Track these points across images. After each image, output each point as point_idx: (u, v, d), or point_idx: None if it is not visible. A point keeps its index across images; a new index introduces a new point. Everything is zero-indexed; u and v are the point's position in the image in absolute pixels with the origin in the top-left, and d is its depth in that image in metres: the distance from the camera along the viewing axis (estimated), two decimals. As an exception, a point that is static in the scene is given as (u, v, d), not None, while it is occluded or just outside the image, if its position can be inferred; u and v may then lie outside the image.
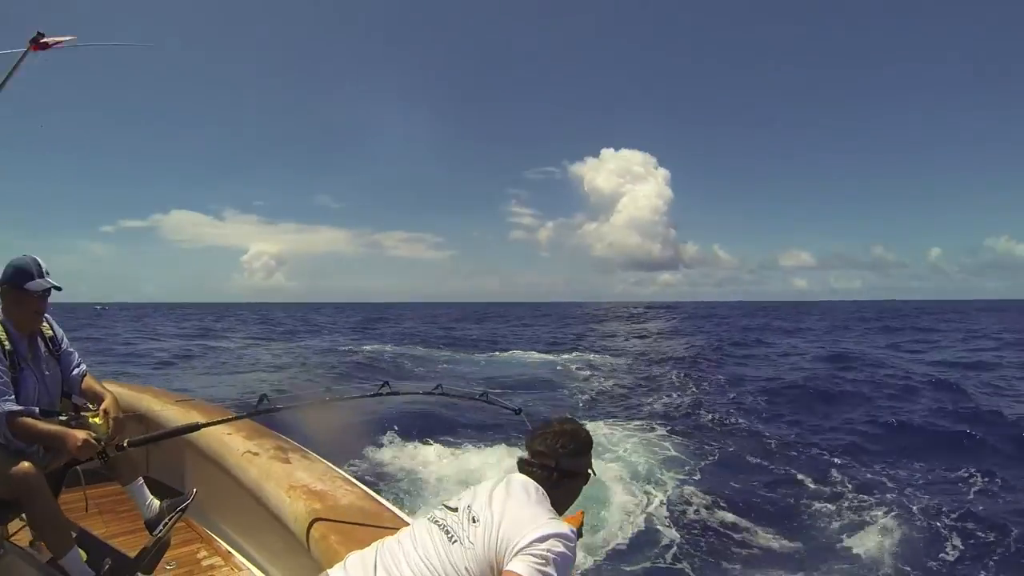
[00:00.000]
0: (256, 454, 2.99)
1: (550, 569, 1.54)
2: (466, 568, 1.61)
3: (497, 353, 28.31)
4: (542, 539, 1.58)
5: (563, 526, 1.66)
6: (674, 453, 10.22)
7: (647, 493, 8.25)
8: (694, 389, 16.68)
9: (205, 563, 3.07)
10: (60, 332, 2.75)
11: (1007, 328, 40.10)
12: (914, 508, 7.64)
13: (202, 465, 3.34)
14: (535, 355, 27.13)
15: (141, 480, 2.74)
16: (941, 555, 6.65)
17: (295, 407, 3.17)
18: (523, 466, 1.90)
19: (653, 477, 8.90)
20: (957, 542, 6.85)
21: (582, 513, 2.38)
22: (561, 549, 1.59)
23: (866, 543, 6.89)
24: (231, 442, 3.14)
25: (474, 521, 1.69)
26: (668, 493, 8.23)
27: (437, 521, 1.75)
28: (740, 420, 12.61)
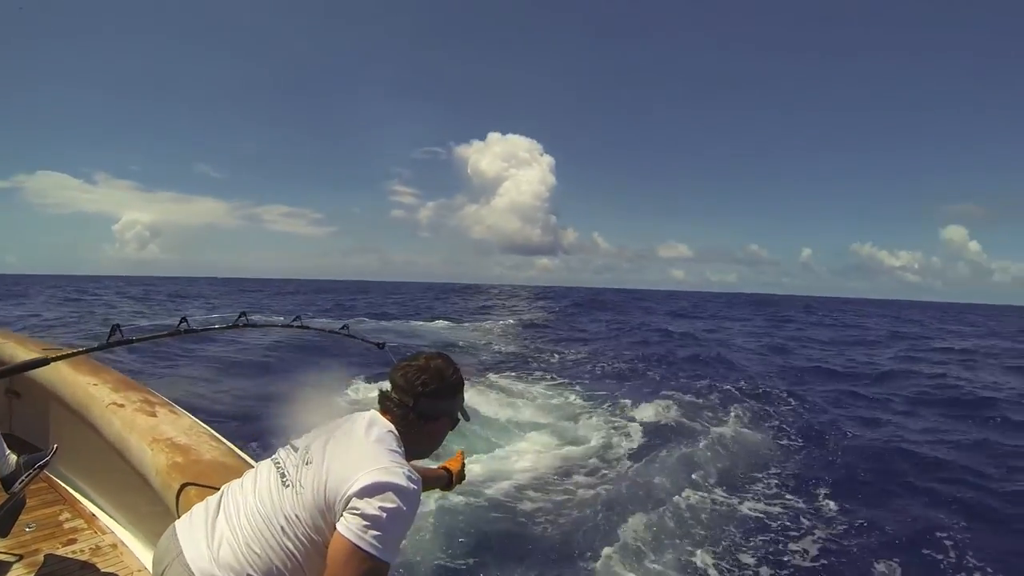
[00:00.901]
0: (121, 406, 2.84)
1: (378, 531, 1.37)
2: (296, 516, 1.46)
3: (389, 322, 30.16)
4: (373, 490, 1.41)
5: (399, 475, 1.45)
6: (566, 394, 12.82)
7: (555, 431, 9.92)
8: (569, 351, 20.59)
9: (67, 525, 2.88)
10: None
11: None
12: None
13: (67, 420, 3.14)
14: (423, 323, 30.01)
15: None
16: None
17: (151, 338, 2.81)
18: (382, 400, 1.69)
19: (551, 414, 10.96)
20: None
21: (462, 453, 2.29)
22: (395, 504, 1.41)
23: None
24: (97, 393, 2.97)
25: (307, 463, 1.52)
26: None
27: (277, 462, 1.61)
28: (615, 367, 16.68)
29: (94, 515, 2.98)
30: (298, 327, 3.37)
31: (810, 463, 8.86)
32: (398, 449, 1.56)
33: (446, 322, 31.34)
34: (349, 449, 1.52)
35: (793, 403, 12.49)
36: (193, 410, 3.17)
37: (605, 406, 11.73)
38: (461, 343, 21.54)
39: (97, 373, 3.16)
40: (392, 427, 1.62)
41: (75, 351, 2.56)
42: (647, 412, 10.99)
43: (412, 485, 1.45)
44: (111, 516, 2.97)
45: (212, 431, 2.85)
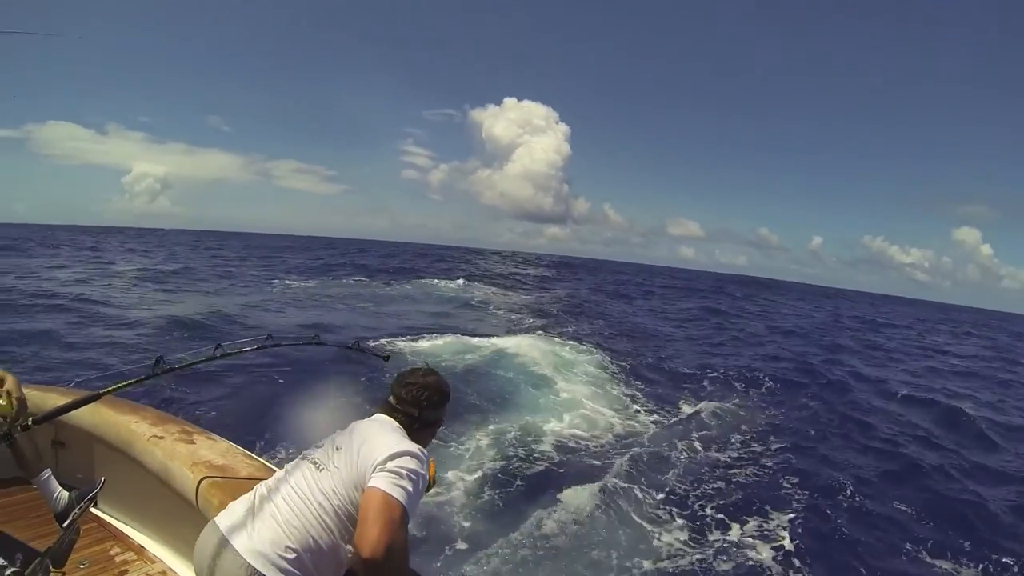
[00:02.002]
0: (161, 438, 2.99)
1: (404, 482, 1.69)
2: (333, 490, 1.76)
3: (422, 281, 34.00)
4: (395, 456, 1.74)
5: (415, 448, 1.83)
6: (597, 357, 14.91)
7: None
8: (586, 318, 23.60)
9: (119, 559, 2.97)
10: None
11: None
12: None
13: (111, 459, 3.22)
14: (445, 283, 33.37)
15: (48, 472, 2.67)
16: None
17: (192, 364, 2.97)
18: (387, 410, 2.04)
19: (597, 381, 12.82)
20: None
21: (433, 462, 2.62)
22: (413, 466, 1.75)
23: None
24: (138, 429, 3.10)
25: (338, 449, 1.87)
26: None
27: (307, 457, 1.93)
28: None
29: (143, 547, 3.09)
30: (316, 343, 3.72)
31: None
32: (408, 439, 1.93)
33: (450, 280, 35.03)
34: (373, 435, 1.87)
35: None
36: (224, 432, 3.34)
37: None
38: (496, 305, 25.18)
39: (137, 412, 3.31)
40: (400, 426, 1.98)
41: (124, 384, 2.61)
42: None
43: (424, 456, 1.84)
44: (160, 544, 3.09)
45: (247, 451, 3.03)
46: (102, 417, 3.23)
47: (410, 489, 1.70)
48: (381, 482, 1.67)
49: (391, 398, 2.05)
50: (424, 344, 14.23)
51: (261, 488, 1.88)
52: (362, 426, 1.97)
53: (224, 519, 1.81)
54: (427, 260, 58.42)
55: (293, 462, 1.96)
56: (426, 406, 2.02)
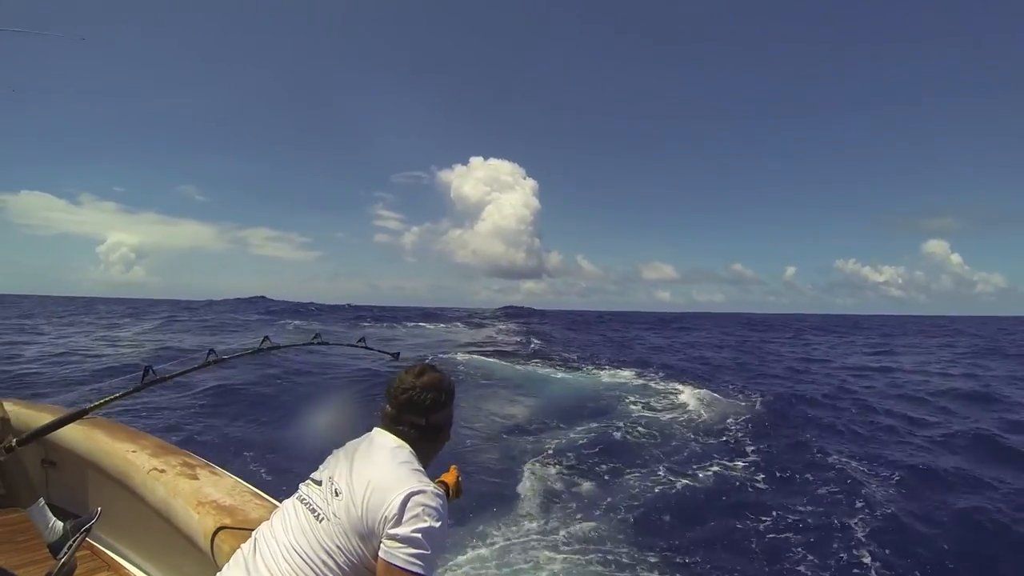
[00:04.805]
0: (163, 471, 2.66)
1: (417, 550, 1.43)
2: (337, 546, 1.48)
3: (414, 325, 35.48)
4: (408, 514, 1.44)
5: (429, 495, 1.49)
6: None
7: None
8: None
9: None
10: None
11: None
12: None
13: (106, 487, 2.92)
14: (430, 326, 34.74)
15: (42, 501, 2.46)
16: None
17: (184, 373, 2.74)
18: (388, 424, 1.69)
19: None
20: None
21: (455, 468, 2.26)
22: (427, 524, 1.45)
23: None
24: (136, 460, 2.77)
25: (337, 494, 1.54)
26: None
27: (303, 499, 1.61)
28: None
29: None
30: (319, 343, 3.40)
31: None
32: (420, 468, 1.59)
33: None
34: (376, 474, 1.52)
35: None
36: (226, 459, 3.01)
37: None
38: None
39: (135, 439, 2.99)
40: (407, 446, 1.63)
41: (113, 397, 2.44)
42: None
43: (440, 501, 1.51)
44: None
45: (255, 488, 2.70)
46: (96, 443, 2.92)
47: (428, 553, 1.44)
48: (393, 555, 1.42)
49: (388, 408, 1.70)
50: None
51: (261, 538, 1.59)
52: (361, 459, 1.59)
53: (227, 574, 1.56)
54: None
55: (288, 502, 1.65)
56: (431, 409, 1.67)
